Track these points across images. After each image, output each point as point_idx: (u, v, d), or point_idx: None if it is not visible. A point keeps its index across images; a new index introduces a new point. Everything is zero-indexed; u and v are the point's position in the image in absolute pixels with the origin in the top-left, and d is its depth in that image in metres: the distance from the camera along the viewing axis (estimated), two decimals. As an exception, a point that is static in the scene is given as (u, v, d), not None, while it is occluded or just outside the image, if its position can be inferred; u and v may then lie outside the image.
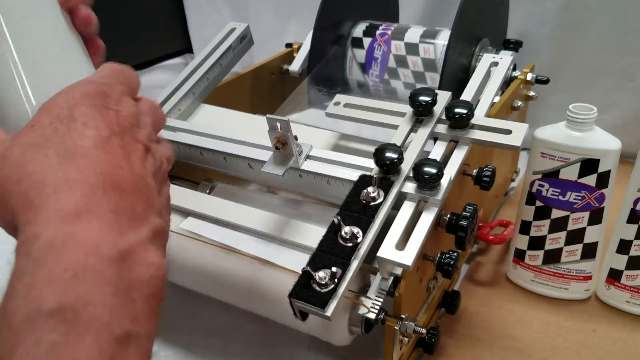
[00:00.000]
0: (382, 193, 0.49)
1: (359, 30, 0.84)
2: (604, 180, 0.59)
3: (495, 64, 0.63)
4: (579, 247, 0.62)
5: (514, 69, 0.76)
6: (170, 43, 1.28)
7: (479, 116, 0.56)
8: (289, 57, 0.90)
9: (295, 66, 0.87)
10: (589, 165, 0.58)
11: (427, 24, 0.98)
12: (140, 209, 0.31)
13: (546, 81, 0.77)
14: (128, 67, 0.40)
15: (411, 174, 0.50)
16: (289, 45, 0.92)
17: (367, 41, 0.82)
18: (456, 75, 0.73)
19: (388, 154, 0.50)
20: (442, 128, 0.55)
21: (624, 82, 0.89)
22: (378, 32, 0.82)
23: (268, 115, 0.51)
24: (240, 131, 0.61)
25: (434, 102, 0.54)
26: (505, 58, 0.63)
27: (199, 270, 0.54)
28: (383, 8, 0.93)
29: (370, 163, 0.52)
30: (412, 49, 0.78)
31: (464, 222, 0.51)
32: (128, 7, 1.14)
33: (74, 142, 0.31)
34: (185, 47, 1.31)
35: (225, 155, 0.59)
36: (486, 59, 0.64)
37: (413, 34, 0.79)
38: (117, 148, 0.32)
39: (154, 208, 0.32)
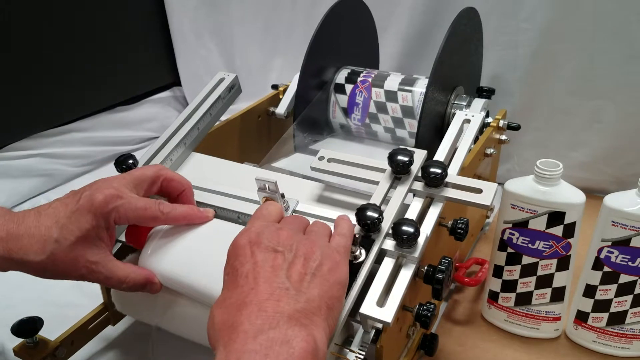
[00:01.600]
0: (364, 252, 0.52)
1: (341, 77, 0.88)
2: (570, 230, 0.63)
3: (468, 121, 0.67)
4: (548, 291, 0.67)
5: (487, 115, 0.81)
6: (159, 77, 1.31)
7: (452, 174, 0.60)
8: (275, 100, 0.94)
9: (282, 109, 0.91)
10: (555, 217, 0.63)
11: (405, 66, 1.04)
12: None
13: (517, 127, 0.81)
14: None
15: (390, 231, 0.54)
16: (275, 87, 0.96)
17: (349, 87, 0.86)
18: (433, 122, 0.78)
19: (369, 214, 0.54)
20: (418, 185, 0.59)
21: (592, 123, 0.94)
22: (359, 79, 0.86)
23: (257, 177, 0.55)
24: (229, 182, 0.64)
25: (411, 162, 0.59)
26: (477, 116, 0.68)
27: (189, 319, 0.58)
28: (364, 54, 0.97)
29: (351, 217, 0.56)
30: (391, 95, 0.83)
31: (439, 276, 0.55)
32: (117, 43, 1.18)
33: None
34: (173, 81, 1.34)
35: (217, 208, 0.63)
36: (459, 116, 0.68)
37: (392, 82, 0.83)
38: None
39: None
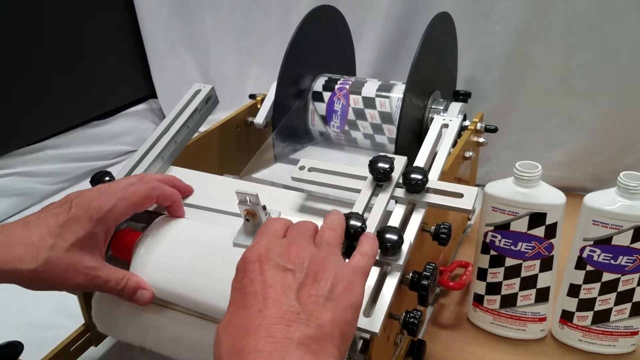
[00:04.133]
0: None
1: (318, 85, 0.88)
2: (551, 231, 0.63)
3: (446, 125, 0.68)
4: (532, 292, 0.67)
5: (464, 119, 0.81)
6: (134, 90, 1.30)
7: (433, 180, 0.60)
8: (253, 109, 0.93)
9: (260, 118, 0.90)
10: (537, 218, 0.63)
11: (381, 72, 1.04)
12: None
13: (495, 130, 0.82)
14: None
15: (374, 241, 0.53)
16: (252, 96, 0.95)
17: (327, 95, 0.86)
18: (412, 127, 0.78)
19: (352, 223, 0.53)
20: (400, 192, 0.59)
21: (569, 122, 0.95)
22: (337, 86, 0.86)
23: (237, 190, 0.54)
24: (209, 195, 0.64)
25: (392, 169, 0.58)
26: (455, 120, 0.68)
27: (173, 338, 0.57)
28: (341, 61, 0.97)
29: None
30: (369, 102, 0.83)
31: (425, 282, 0.54)
32: (89, 56, 1.16)
33: None
34: (149, 93, 1.33)
35: (197, 223, 0.62)
36: (437, 120, 0.68)
37: (369, 89, 0.83)
38: None
39: None
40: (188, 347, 0.56)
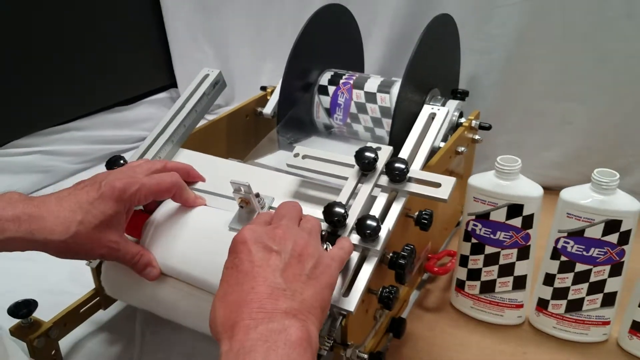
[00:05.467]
0: (330, 246, 0.57)
1: (324, 79, 0.93)
2: (528, 222, 0.68)
3: (434, 115, 0.72)
4: (510, 279, 0.71)
5: (460, 116, 0.85)
6: (156, 79, 1.37)
7: (415, 169, 0.65)
8: (262, 100, 0.98)
9: (268, 109, 0.95)
10: (514, 209, 0.67)
11: (388, 69, 1.08)
12: None
13: (488, 127, 0.86)
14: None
15: (355, 227, 0.58)
16: (263, 88, 1.01)
17: (331, 89, 0.91)
18: (408, 122, 0.82)
19: (335, 210, 0.58)
20: (384, 180, 0.63)
21: (564, 124, 0.99)
22: (341, 81, 0.91)
23: (232, 180, 0.59)
24: (213, 177, 0.69)
25: (376, 159, 0.63)
26: (442, 110, 0.72)
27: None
28: (349, 57, 1.02)
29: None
30: (370, 97, 0.88)
31: (402, 261, 0.59)
32: (116, 45, 1.23)
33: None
34: (170, 83, 1.39)
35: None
36: (425, 110, 0.72)
37: (372, 84, 0.88)
38: None
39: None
40: (185, 313, 0.62)
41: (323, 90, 0.92)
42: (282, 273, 0.45)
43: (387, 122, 0.87)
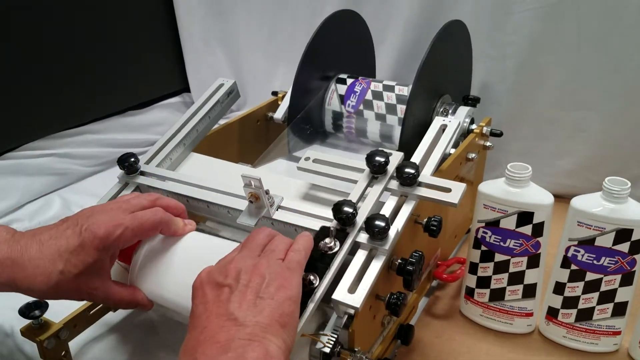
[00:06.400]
0: (338, 243, 0.57)
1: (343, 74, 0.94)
2: (538, 230, 0.67)
3: (444, 127, 0.72)
4: (520, 287, 0.71)
5: (472, 122, 0.85)
6: (170, 83, 1.38)
7: (426, 174, 0.65)
8: (274, 105, 0.99)
9: (279, 114, 0.96)
10: (525, 217, 0.67)
11: (400, 76, 1.08)
12: None
13: (500, 134, 0.86)
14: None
15: (364, 226, 0.58)
16: (274, 93, 1.01)
17: (349, 80, 0.92)
18: (418, 125, 0.82)
19: (344, 209, 0.58)
20: (394, 184, 0.63)
21: (577, 132, 0.98)
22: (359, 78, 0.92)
23: (243, 174, 0.60)
24: (222, 179, 0.70)
25: (387, 163, 0.63)
26: (453, 122, 0.72)
27: None
28: (361, 63, 1.02)
29: (331, 213, 0.61)
30: (388, 88, 0.88)
31: (410, 267, 0.59)
32: (130, 50, 1.24)
33: None
34: (183, 87, 1.40)
35: (208, 203, 0.68)
36: (437, 122, 0.72)
37: (389, 82, 0.89)
38: None
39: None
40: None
41: (341, 81, 0.93)
42: (233, 304, 0.47)
43: (401, 109, 0.86)
